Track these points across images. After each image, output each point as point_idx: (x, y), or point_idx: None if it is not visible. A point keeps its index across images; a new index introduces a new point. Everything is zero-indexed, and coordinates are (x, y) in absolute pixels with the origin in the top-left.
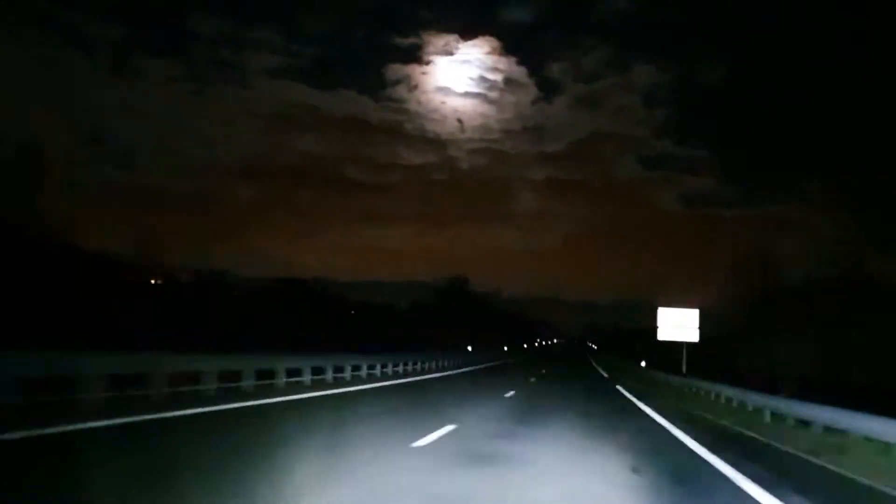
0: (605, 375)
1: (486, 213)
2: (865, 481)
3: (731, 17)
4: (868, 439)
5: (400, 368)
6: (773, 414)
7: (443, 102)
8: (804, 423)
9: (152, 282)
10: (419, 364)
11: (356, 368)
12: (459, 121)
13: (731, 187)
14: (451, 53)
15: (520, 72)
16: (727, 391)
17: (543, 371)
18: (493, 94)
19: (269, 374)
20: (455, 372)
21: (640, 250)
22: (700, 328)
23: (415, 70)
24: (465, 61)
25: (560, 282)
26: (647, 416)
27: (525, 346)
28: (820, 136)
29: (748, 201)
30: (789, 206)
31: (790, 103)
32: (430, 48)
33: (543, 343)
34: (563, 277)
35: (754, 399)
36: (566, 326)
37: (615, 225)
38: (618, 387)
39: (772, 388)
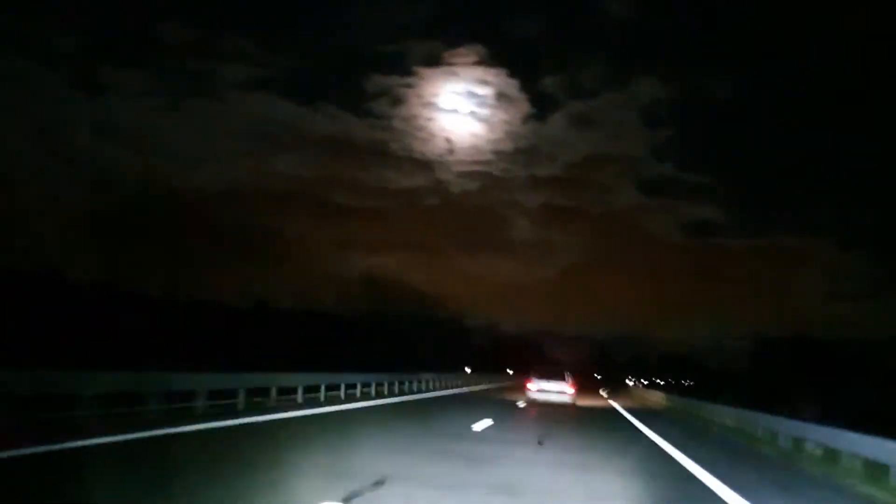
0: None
1: (480, 242)
2: None
3: (740, 29)
4: None
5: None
6: None
7: (429, 119)
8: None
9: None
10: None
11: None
12: (448, 140)
13: (736, 215)
14: (435, 63)
15: (511, 85)
16: None
17: None
18: (483, 111)
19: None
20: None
21: (639, 282)
22: None
23: (397, 82)
24: (451, 73)
25: (557, 314)
26: None
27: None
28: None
29: (755, 231)
30: (802, 237)
31: (801, 123)
32: (413, 57)
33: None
34: (559, 310)
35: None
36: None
37: (613, 255)
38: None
39: None
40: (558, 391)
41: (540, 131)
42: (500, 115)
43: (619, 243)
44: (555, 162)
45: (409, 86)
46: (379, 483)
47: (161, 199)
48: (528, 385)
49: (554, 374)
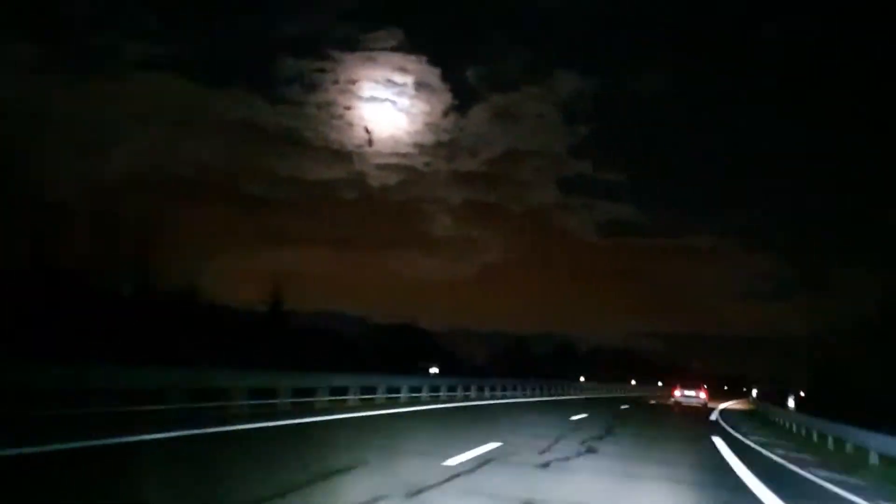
0: None
1: (399, 239)
2: None
3: (663, 25)
4: None
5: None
6: None
7: (347, 108)
8: None
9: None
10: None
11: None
12: (366, 130)
13: (649, 215)
14: (352, 48)
15: (432, 74)
16: None
17: None
18: (403, 101)
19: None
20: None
21: (558, 279)
22: None
23: (311, 66)
24: (369, 58)
25: (475, 312)
26: None
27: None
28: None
29: (666, 231)
30: (713, 238)
31: (715, 126)
32: (328, 39)
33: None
34: (478, 307)
35: None
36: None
37: (533, 253)
38: None
39: None
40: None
41: (461, 124)
42: (421, 106)
43: (539, 241)
44: (476, 157)
45: (324, 70)
46: None
47: (55, 185)
48: None
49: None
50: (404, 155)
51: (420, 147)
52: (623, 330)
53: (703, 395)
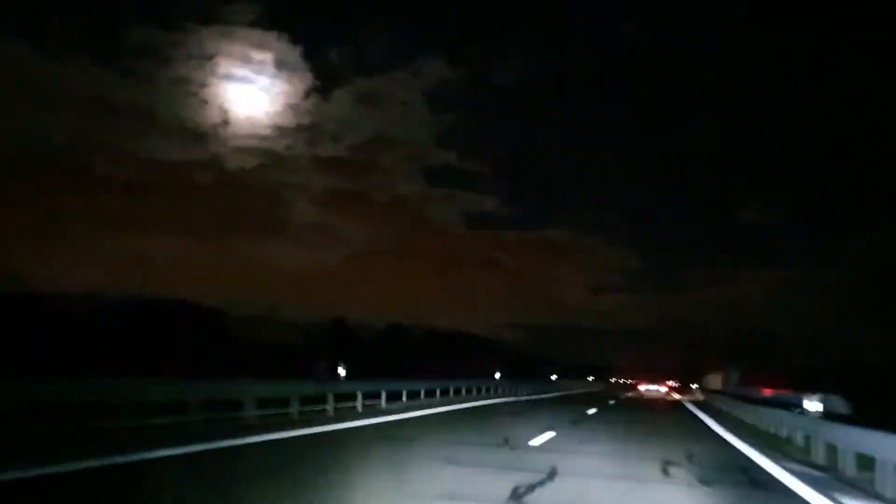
0: None
1: (260, 226)
2: None
3: (529, 11)
4: None
5: None
6: None
7: (201, 85)
8: None
9: None
10: None
11: None
12: (223, 109)
13: (512, 208)
14: (208, 20)
15: (293, 53)
16: None
17: None
18: (262, 80)
19: None
20: None
21: (423, 270)
22: None
23: (163, 38)
24: (226, 32)
25: (341, 304)
26: None
27: None
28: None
29: (529, 224)
30: (571, 233)
31: (576, 121)
32: (180, 9)
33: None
34: (344, 299)
35: None
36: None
37: (398, 244)
38: None
39: None
40: None
41: (323, 107)
42: (281, 86)
43: (404, 231)
44: (339, 142)
45: (176, 44)
46: None
47: None
48: None
49: None
50: (263, 137)
51: (280, 130)
52: (488, 320)
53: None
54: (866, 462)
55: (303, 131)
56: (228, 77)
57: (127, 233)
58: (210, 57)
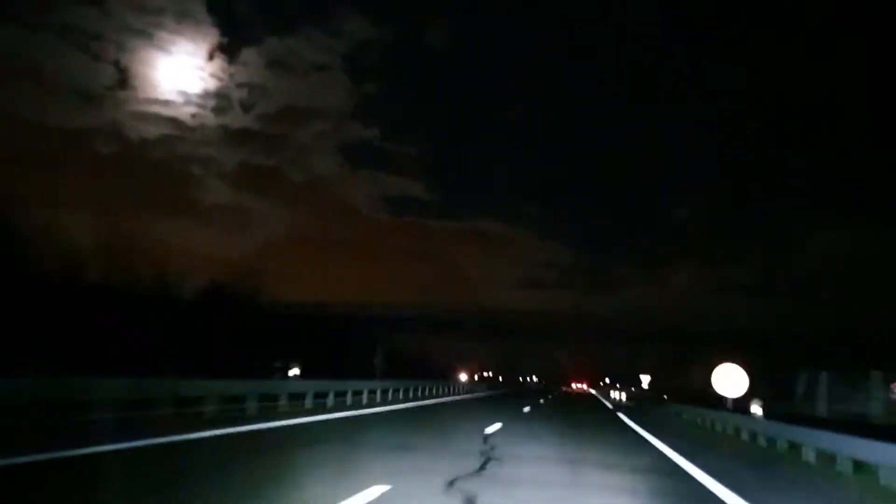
0: None
1: (168, 203)
2: None
3: None
4: None
5: None
6: None
7: (91, 37)
8: None
9: None
10: None
11: None
12: (118, 68)
13: (439, 194)
14: None
15: (196, 4)
16: None
17: None
18: (161, 34)
19: None
20: None
21: (343, 257)
22: None
23: None
24: None
25: (258, 289)
26: None
27: None
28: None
29: (458, 213)
30: (501, 224)
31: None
32: None
33: None
34: (262, 284)
35: None
36: None
37: (315, 228)
38: None
39: None
40: None
41: (231, 71)
42: (183, 44)
43: (322, 214)
44: (249, 112)
45: None
46: None
47: None
48: None
49: None
50: (165, 103)
51: (184, 95)
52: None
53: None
54: None
55: (209, 98)
56: (123, 28)
57: (19, 207)
58: (101, 2)
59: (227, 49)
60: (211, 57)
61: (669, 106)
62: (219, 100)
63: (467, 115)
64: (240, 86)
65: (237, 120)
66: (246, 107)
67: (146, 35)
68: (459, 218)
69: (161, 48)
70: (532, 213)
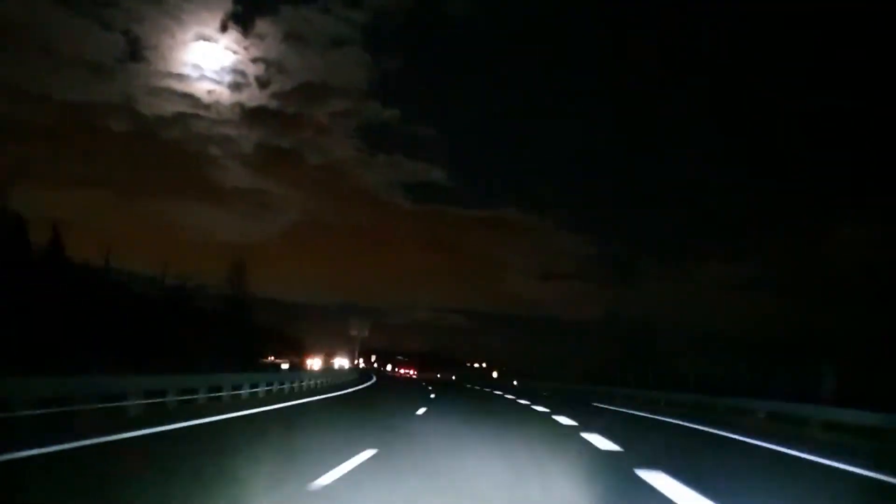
0: None
1: (187, 186)
2: None
3: None
4: None
5: None
6: None
7: (102, 5)
8: None
9: None
10: None
11: None
12: (129, 39)
13: (462, 180)
14: None
15: None
16: None
17: None
18: (173, 1)
19: None
20: None
21: (361, 247)
22: None
23: None
24: None
25: (276, 280)
26: None
27: None
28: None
29: (479, 201)
30: (524, 213)
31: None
32: None
33: None
34: (279, 275)
35: None
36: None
37: (332, 214)
38: None
39: None
40: None
41: (246, 44)
42: (195, 11)
43: (339, 200)
44: (266, 89)
45: None
46: None
47: None
48: None
49: None
50: (179, 77)
51: (198, 69)
52: (430, 304)
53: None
54: None
55: (224, 73)
56: None
57: (34, 186)
58: None
59: (242, 19)
60: (225, 28)
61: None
62: (234, 75)
63: (489, 93)
64: (255, 60)
65: (254, 97)
66: (262, 83)
67: (157, 1)
68: (480, 206)
69: (173, 16)
70: (554, 200)
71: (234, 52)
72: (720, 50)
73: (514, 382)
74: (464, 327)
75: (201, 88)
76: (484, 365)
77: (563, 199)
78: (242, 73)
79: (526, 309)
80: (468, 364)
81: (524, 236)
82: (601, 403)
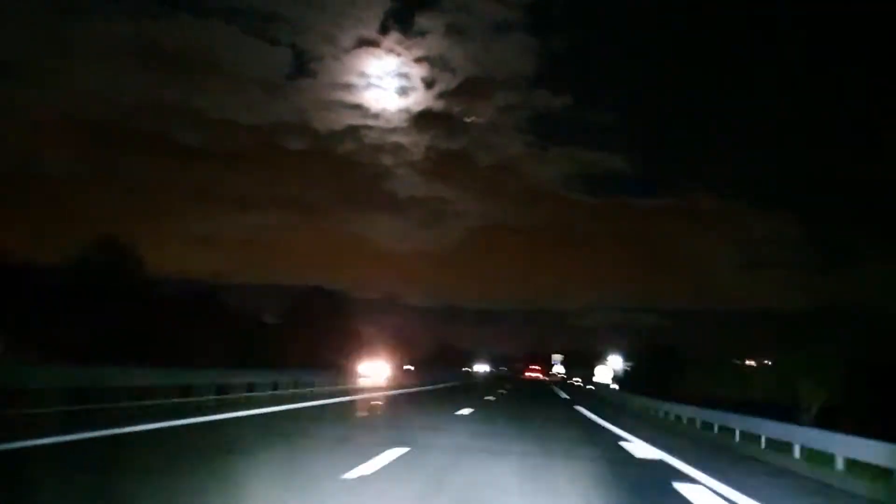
0: None
1: (362, 198)
2: None
3: None
4: None
5: None
6: None
7: (265, 20)
8: None
9: None
10: None
11: None
12: (295, 52)
13: (644, 167)
14: None
15: None
16: None
17: None
18: (331, 7)
19: None
20: None
21: (543, 248)
22: None
23: None
24: None
25: (457, 287)
26: None
27: None
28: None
29: (664, 188)
30: (716, 198)
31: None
32: None
33: None
34: (460, 282)
35: None
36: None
37: (506, 214)
38: None
39: None
40: None
41: (407, 44)
42: (355, 14)
43: (512, 199)
44: (430, 89)
45: None
46: None
47: None
48: None
49: None
50: (347, 87)
51: (364, 77)
52: (617, 304)
53: None
54: None
55: (390, 78)
56: (294, 3)
57: (221, 208)
58: None
59: (401, 17)
60: (385, 29)
61: None
62: (399, 79)
63: (670, 66)
64: (419, 60)
65: (420, 100)
66: (427, 83)
67: (317, 8)
68: (665, 194)
69: (335, 22)
70: (751, 180)
71: (398, 55)
72: None
73: None
74: (657, 326)
75: (369, 97)
76: None
77: (760, 177)
78: (407, 76)
79: (727, 302)
80: None
81: (719, 223)
82: None
